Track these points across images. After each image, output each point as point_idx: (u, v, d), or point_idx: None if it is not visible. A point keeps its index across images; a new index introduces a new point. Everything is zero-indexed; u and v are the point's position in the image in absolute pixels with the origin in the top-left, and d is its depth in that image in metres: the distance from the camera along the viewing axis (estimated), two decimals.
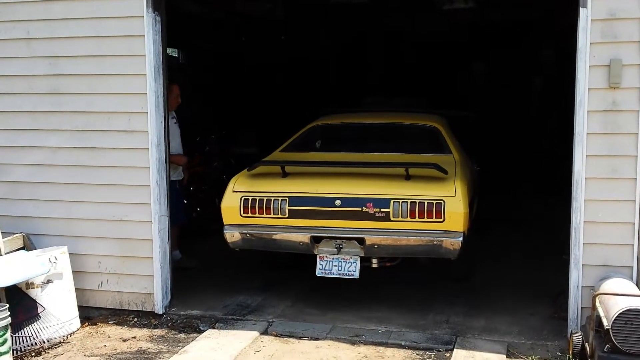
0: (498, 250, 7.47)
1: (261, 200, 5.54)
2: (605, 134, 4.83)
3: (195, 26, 9.51)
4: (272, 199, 5.52)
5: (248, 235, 5.60)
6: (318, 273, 5.55)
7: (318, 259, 5.55)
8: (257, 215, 5.54)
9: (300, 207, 5.46)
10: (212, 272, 6.91)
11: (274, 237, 5.57)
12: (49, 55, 5.70)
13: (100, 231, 5.74)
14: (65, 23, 5.63)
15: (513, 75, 12.03)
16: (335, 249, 5.49)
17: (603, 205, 4.87)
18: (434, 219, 5.25)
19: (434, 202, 5.26)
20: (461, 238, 5.27)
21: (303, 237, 5.50)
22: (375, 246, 5.40)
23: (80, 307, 5.66)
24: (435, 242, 5.28)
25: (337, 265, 5.52)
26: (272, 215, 5.51)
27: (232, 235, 5.64)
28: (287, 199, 5.49)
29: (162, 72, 5.61)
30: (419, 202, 5.28)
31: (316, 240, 5.52)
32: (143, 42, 5.48)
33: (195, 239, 7.75)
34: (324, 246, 5.52)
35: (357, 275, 5.49)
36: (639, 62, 4.76)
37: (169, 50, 11.19)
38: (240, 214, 5.58)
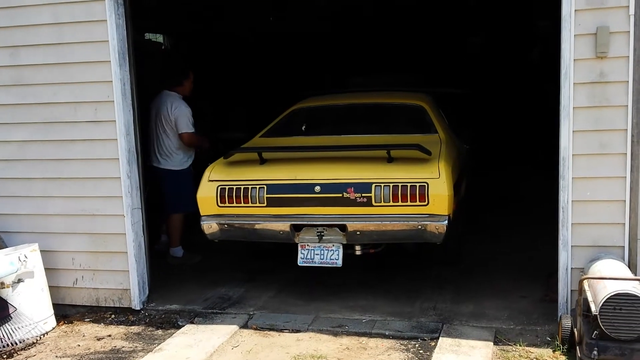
0: (490, 231, 7.25)
1: (238, 189, 5.31)
2: (593, 107, 4.55)
3: (179, 7, 9.22)
4: (250, 187, 5.29)
5: (226, 225, 5.38)
6: (300, 262, 5.34)
7: (299, 248, 5.34)
8: (234, 204, 5.33)
9: (279, 194, 5.25)
10: (193, 264, 6.71)
11: (253, 227, 5.35)
12: (10, 45, 5.46)
13: (72, 226, 5.55)
14: (23, 10, 5.37)
15: (510, 48, 11.71)
16: (317, 237, 5.27)
17: (592, 183, 4.62)
18: (417, 203, 5.02)
19: (417, 184, 5.03)
20: (446, 221, 5.04)
21: (283, 226, 5.27)
22: (358, 233, 5.18)
23: (56, 305, 5.50)
24: (419, 227, 5.05)
25: (319, 253, 5.32)
26: (250, 204, 5.29)
27: (209, 227, 5.42)
28: (264, 186, 5.27)
29: (127, 58, 5.36)
30: (402, 186, 5.04)
31: (297, 228, 5.30)
32: (105, 27, 5.23)
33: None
34: (305, 234, 5.30)
35: (340, 263, 5.28)
36: (628, 29, 4.45)
37: (152, 36, 10.99)
38: (217, 204, 5.37)
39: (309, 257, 5.34)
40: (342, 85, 9.08)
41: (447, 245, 5.36)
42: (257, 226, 5.35)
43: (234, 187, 5.34)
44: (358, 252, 5.52)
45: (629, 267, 4.49)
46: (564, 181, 4.66)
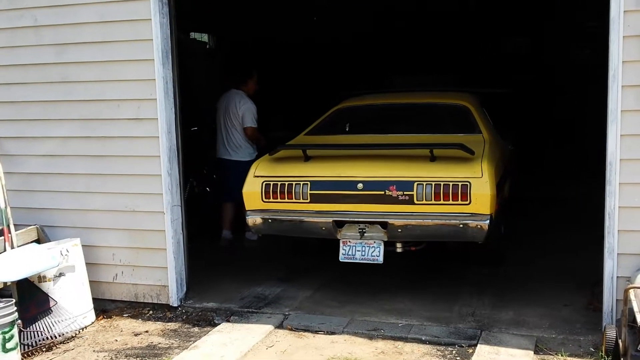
0: (535, 235, 7.08)
1: (282, 185, 5.41)
2: None
3: (224, 9, 9.30)
4: (294, 183, 5.38)
5: (270, 220, 5.47)
6: (341, 258, 5.39)
7: (341, 244, 5.39)
8: (278, 200, 5.42)
9: (322, 191, 5.32)
10: (232, 262, 6.75)
11: (296, 222, 5.42)
12: (57, 43, 5.56)
13: (113, 222, 5.61)
14: (71, 9, 5.46)
15: (557, 49, 11.46)
16: (359, 234, 5.31)
17: None
18: (459, 202, 5.02)
19: (460, 183, 5.02)
20: (488, 221, 5.00)
21: (325, 222, 5.32)
22: (399, 230, 5.18)
23: (96, 300, 5.58)
24: (461, 225, 5.03)
25: (361, 250, 5.36)
26: (294, 200, 5.37)
27: (254, 221, 5.54)
28: (308, 183, 5.35)
29: (170, 56, 5.40)
30: (444, 184, 5.05)
31: (339, 224, 5.35)
32: (150, 25, 5.27)
33: (220, 228, 7.62)
34: (347, 231, 5.35)
35: (380, 260, 5.30)
36: None
37: (197, 36, 11.10)
38: (262, 199, 5.47)
39: (350, 253, 5.39)
40: (380, 86, 9.00)
41: (489, 245, 5.34)
42: (300, 221, 5.40)
43: (279, 182, 5.43)
44: (399, 250, 5.53)
45: None
46: (611, 186, 4.51)
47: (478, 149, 5.39)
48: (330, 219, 5.31)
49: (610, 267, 4.58)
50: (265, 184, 5.46)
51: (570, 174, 9.42)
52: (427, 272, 6.19)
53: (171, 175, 5.46)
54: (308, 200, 5.34)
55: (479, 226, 5.01)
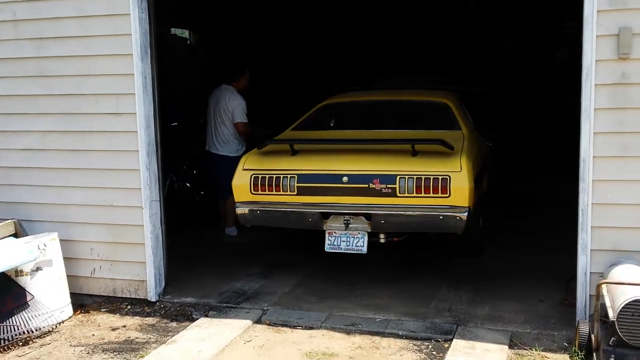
0: (511, 232, 7.15)
1: (270, 178, 5.60)
2: (615, 108, 4.47)
3: (206, 5, 9.29)
4: (282, 176, 5.58)
5: (258, 211, 5.67)
6: (327, 248, 5.57)
7: (327, 235, 5.58)
8: (267, 192, 5.62)
9: (309, 184, 5.52)
10: (211, 257, 6.75)
11: (283, 213, 5.61)
12: (36, 37, 5.54)
13: (92, 217, 5.61)
14: (49, 3, 5.45)
15: (536, 50, 11.58)
16: (344, 225, 5.52)
17: (613, 186, 4.53)
18: (439, 194, 5.25)
19: (440, 177, 5.25)
20: (466, 213, 5.23)
21: (312, 213, 5.54)
22: (382, 221, 5.40)
23: (74, 295, 5.57)
24: (441, 217, 5.26)
25: (346, 240, 5.56)
26: (281, 193, 5.57)
27: (243, 212, 5.71)
28: (295, 176, 5.54)
29: (149, 51, 5.40)
30: (425, 178, 5.28)
31: (324, 216, 5.55)
32: (129, 20, 5.28)
33: (200, 223, 7.62)
34: (333, 222, 5.55)
35: (364, 250, 5.49)
36: None
37: (178, 31, 11.07)
38: (251, 192, 5.66)
39: (335, 243, 5.57)
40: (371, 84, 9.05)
41: (468, 237, 5.58)
42: (287, 213, 5.59)
43: (267, 175, 5.62)
44: (382, 240, 5.72)
45: None
46: (584, 183, 4.58)
47: (457, 144, 5.58)
48: (317, 211, 5.51)
49: (584, 263, 4.65)
50: (254, 177, 5.64)
51: (562, 173, 9.47)
52: (405, 269, 6.23)
53: (150, 170, 5.46)
54: (295, 193, 5.52)
55: (458, 217, 5.22)
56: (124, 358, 4.62)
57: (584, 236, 4.62)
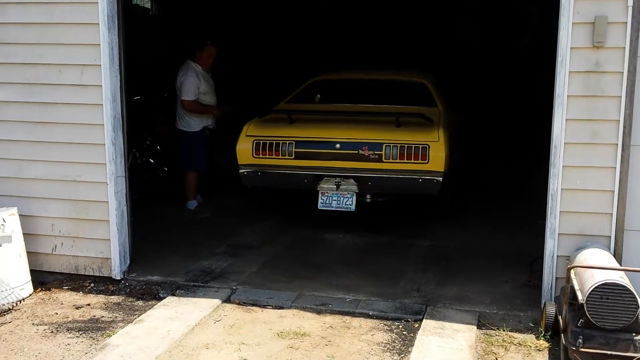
0: (477, 216, 7.26)
1: (271, 144, 6.30)
2: (587, 96, 4.55)
3: None
4: (281, 142, 6.29)
5: (259, 173, 6.35)
6: (320, 206, 6.31)
7: (320, 195, 6.31)
8: (267, 156, 6.31)
9: (305, 149, 6.25)
10: (177, 235, 6.64)
11: (281, 175, 6.31)
12: None
13: (53, 192, 5.42)
14: None
15: (501, 35, 11.72)
16: (335, 186, 6.25)
17: (582, 172, 4.63)
18: (419, 161, 6.04)
19: (420, 146, 6.05)
20: (442, 177, 6.06)
21: (307, 175, 6.25)
22: (370, 183, 6.19)
23: (34, 272, 5.40)
24: (420, 180, 6.07)
25: (337, 199, 6.31)
26: (280, 157, 6.28)
27: (245, 174, 6.38)
28: (293, 142, 6.26)
29: (116, 21, 5.21)
30: (407, 146, 6.07)
31: (318, 178, 6.28)
32: None
33: (164, 200, 7.48)
34: (325, 183, 6.29)
35: (353, 208, 6.26)
36: (626, 20, 4.44)
37: (140, 1, 10.72)
38: (253, 155, 6.34)
39: (327, 202, 6.33)
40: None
41: (441, 200, 6.47)
42: (285, 175, 6.30)
43: (267, 141, 6.32)
44: (368, 200, 6.50)
45: (614, 256, 4.52)
46: (554, 169, 4.66)
47: (435, 118, 6.37)
48: (312, 173, 6.25)
49: (551, 246, 4.76)
50: (256, 142, 6.33)
51: (520, 159, 9.62)
52: (373, 250, 6.27)
53: (115, 145, 5.30)
54: (293, 157, 6.26)
55: (434, 180, 6.04)
56: (90, 337, 4.51)
57: (553, 220, 4.72)
